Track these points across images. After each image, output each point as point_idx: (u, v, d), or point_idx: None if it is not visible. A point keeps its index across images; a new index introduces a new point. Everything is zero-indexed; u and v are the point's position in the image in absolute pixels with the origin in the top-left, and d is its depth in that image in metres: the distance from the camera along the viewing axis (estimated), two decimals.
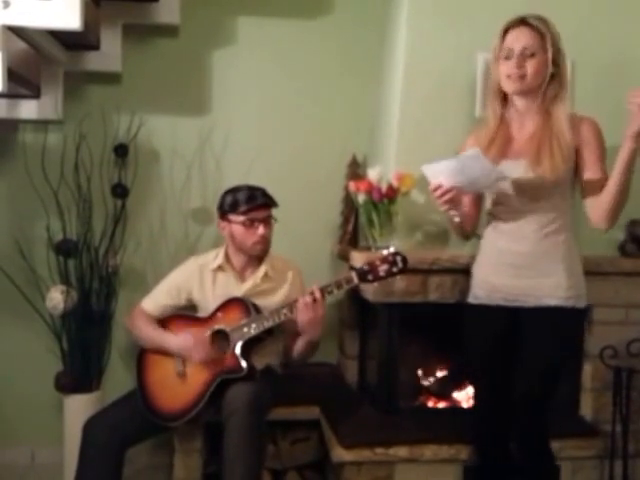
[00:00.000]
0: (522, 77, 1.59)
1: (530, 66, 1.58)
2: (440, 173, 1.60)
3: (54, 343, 2.23)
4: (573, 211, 1.69)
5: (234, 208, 1.86)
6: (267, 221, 1.88)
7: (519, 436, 1.71)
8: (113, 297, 2.25)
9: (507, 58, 1.61)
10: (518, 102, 1.66)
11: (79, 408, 2.12)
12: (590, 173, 1.62)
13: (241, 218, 1.85)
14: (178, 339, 1.83)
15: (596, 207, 1.61)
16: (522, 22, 1.59)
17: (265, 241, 1.89)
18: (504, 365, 1.70)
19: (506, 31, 1.61)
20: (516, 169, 1.62)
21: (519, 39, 1.59)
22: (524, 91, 1.62)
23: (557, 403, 1.75)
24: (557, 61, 1.60)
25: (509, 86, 1.62)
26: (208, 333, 1.82)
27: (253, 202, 1.85)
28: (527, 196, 1.63)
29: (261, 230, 1.85)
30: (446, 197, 1.61)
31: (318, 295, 1.75)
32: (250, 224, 1.85)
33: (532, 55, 1.58)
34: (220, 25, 2.38)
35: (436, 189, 1.61)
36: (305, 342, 1.84)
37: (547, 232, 1.63)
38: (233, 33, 2.39)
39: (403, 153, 2.07)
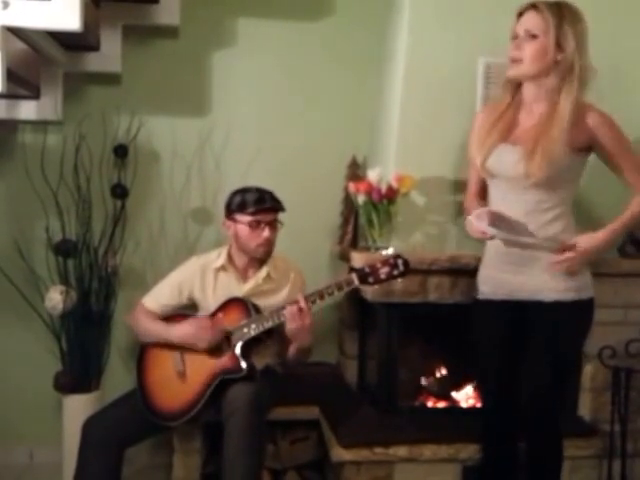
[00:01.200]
0: (518, 61, 1.58)
1: (528, 48, 1.56)
2: (487, 229, 1.55)
3: (53, 343, 2.24)
4: (573, 200, 1.68)
5: (242, 208, 1.85)
6: (273, 224, 1.88)
7: (528, 435, 1.70)
8: (112, 297, 2.25)
9: (513, 40, 1.60)
10: (525, 88, 1.65)
11: (78, 408, 2.12)
12: (615, 165, 1.62)
13: (248, 219, 1.84)
14: (180, 329, 1.82)
15: None
16: (532, 6, 1.58)
17: (269, 244, 1.88)
18: (511, 362, 1.70)
19: (519, 16, 1.60)
20: (510, 155, 1.61)
21: (524, 22, 1.58)
22: (521, 76, 1.60)
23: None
24: (563, 46, 1.55)
25: (508, 70, 1.62)
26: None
27: (262, 204, 1.84)
28: (518, 185, 1.61)
29: (266, 233, 1.85)
30: (482, 236, 1.61)
31: (303, 305, 1.74)
32: (256, 225, 1.85)
33: (533, 37, 1.56)
34: (220, 26, 2.38)
35: (477, 231, 1.61)
36: (296, 348, 1.85)
37: (542, 222, 1.61)
38: (233, 34, 2.39)
39: (403, 154, 2.07)
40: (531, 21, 1.57)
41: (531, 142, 1.59)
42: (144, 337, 1.91)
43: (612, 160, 1.63)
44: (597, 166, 1.71)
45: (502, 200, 1.66)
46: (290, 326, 1.75)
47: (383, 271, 1.74)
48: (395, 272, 1.74)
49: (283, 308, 1.79)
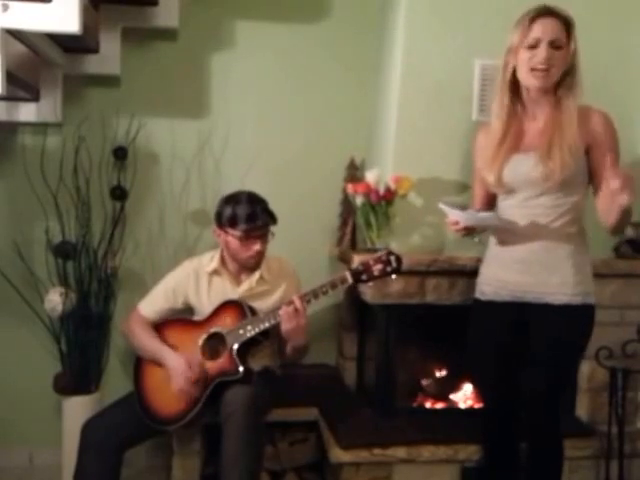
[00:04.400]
0: (547, 71, 1.55)
1: (557, 60, 1.55)
2: (456, 215, 1.65)
3: (53, 345, 2.24)
4: (585, 205, 1.66)
5: (233, 224, 1.82)
6: (264, 238, 1.87)
7: (530, 434, 1.70)
8: (112, 299, 2.26)
9: (532, 47, 1.55)
10: (530, 94, 1.62)
11: (78, 410, 2.12)
12: (602, 176, 1.58)
13: (238, 234, 1.83)
14: (172, 361, 1.79)
15: (604, 217, 1.58)
16: (550, 13, 1.56)
17: (259, 256, 1.88)
18: (510, 362, 1.70)
19: (533, 19, 1.56)
20: (526, 162, 1.61)
21: (548, 30, 1.54)
22: (547, 86, 1.58)
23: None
24: (573, 51, 1.57)
25: (533, 81, 1.57)
26: (207, 333, 1.82)
27: (253, 222, 1.81)
28: (536, 190, 1.61)
29: (257, 246, 1.84)
30: (461, 232, 1.68)
31: (299, 305, 1.75)
32: (247, 239, 1.83)
33: (559, 48, 1.55)
34: (219, 28, 2.39)
35: (451, 223, 1.67)
36: (291, 347, 1.85)
37: (557, 225, 1.61)
38: (232, 37, 2.40)
39: (401, 156, 2.08)
40: (554, 31, 1.54)
41: (545, 146, 1.58)
42: (137, 350, 1.91)
43: (599, 164, 1.60)
44: None
45: (518, 208, 1.64)
46: (285, 326, 1.75)
47: (376, 268, 1.74)
48: (388, 269, 1.74)
49: (279, 309, 1.79)
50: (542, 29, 1.55)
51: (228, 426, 1.69)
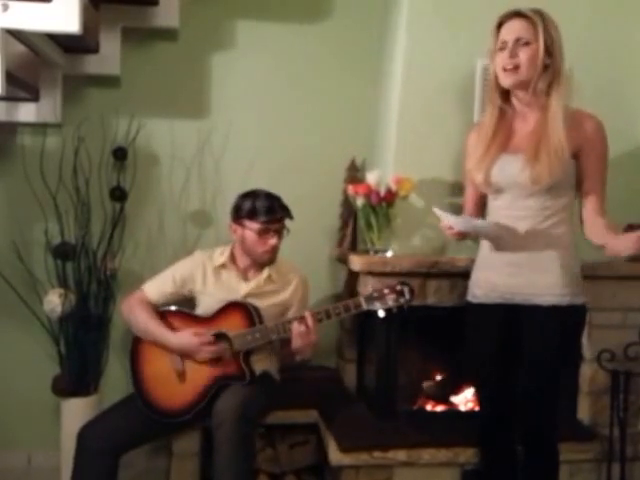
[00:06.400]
0: (516, 68, 1.58)
1: (523, 55, 1.57)
2: (450, 221, 1.65)
3: (52, 346, 2.23)
4: (573, 207, 1.67)
5: (252, 216, 1.87)
6: (280, 232, 1.91)
7: (525, 437, 1.70)
8: (111, 300, 2.24)
9: (502, 49, 1.60)
10: (516, 96, 1.65)
11: (76, 412, 2.11)
12: (588, 186, 1.62)
13: (257, 226, 1.87)
14: (180, 338, 1.82)
15: (587, 228, 1.63)
16: (515, 14, 1.59)
17: (274, 251, 1.92)
18: (505, 364, 1.70)
19: (500, 25, 1.61)
20: (514, 163, 1.62)
21: (512, 30, 1.59)
22: (519, 83, 1.60)
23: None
24: (551, 50, 1.58)
25: (505, 79, 1.61)
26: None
27: (272, 214, 1.86)
28: (524, 192, 1.62)
29: (273, 241, 1.89)
30: (455, 236, 1.69)
31: (310, 323, 1.78)
32: (264, 233, 1.87)
33: (526, 44, 1.57)
34: (219, 29, 2.39)
35: (445, 227, 1.68)
36: (299, 358, 1.88)
37: (544, 227, 1.62)
38: (232, 37, 2.39)
39: (401, 157, 2.08)
40: (520, 29, 1.58)
41: (532, 149, 1.59)
42: (139, 333, 1.89)
43: (586, 172, 1.62)
44: None
45: (506, 210, 1.65)
46: (296, 344, 1.79)
47: (390, 297, 1.81)
48: (401, 300, 1.81)
49: (289, 322, 1.82)
50: (507, 31, 1.60)
51: (219, 435, 1.71)
